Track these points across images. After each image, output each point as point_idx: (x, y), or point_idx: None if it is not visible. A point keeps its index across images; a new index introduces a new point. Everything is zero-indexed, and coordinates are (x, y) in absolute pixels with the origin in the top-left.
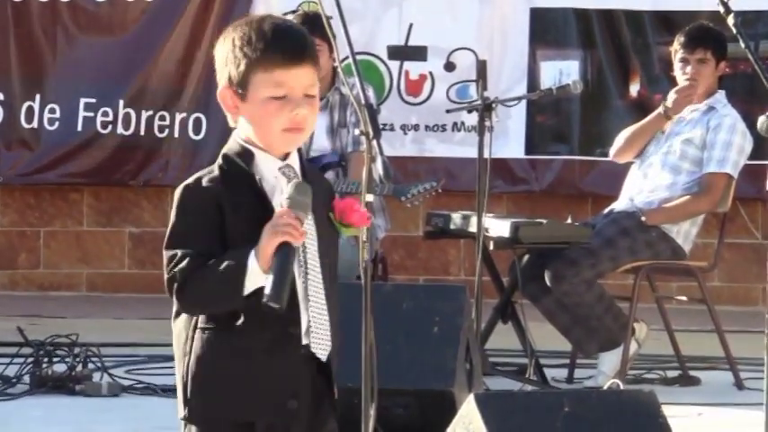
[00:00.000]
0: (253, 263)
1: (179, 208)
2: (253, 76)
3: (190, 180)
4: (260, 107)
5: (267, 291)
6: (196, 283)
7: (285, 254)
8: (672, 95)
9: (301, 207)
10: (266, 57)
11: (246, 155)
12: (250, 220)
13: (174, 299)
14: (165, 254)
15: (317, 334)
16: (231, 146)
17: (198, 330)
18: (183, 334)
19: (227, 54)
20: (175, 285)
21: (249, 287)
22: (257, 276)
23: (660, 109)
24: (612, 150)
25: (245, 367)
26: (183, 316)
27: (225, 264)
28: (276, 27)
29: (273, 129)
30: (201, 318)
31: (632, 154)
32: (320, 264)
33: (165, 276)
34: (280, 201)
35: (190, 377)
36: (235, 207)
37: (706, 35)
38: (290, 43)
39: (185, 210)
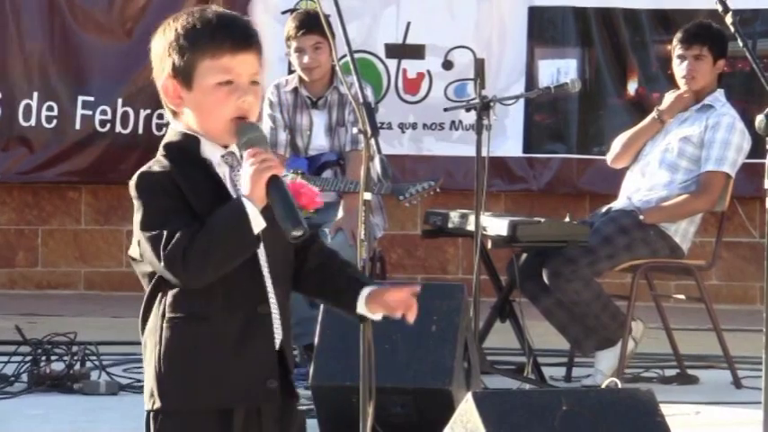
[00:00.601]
0: (250, 207)
1: (145, 192)
2: (199, 63)
3: (141, 170)
4: (208, 94)
5: (287, 224)
6: (201, 248)
7: (279, 185)
8: (666, 99)
9: (260, 142)
10: (214, 43)
11: (192, 142)
12: (210, 203)
13: (180, 273)
14: (147, 237)
15: (276, 320)
16: (171, 137)
17: (167, 320)
18: (153, 324)
19: (168, 44)
20: (178, 260)
21: (255, 231)
22: (257, 219)
23: (654, 113)
24: (609, 156)
25: (220, 353)
26: (155, 306)
27: (222, 218)
28: (221, 15)
29: (221, 116)
30: (169, 308)
31: (629, 159)
32: (266, 258)
33: (161, 255)
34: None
35: (163, 368)
36: (193, 191)
37: (703, 32)
38: (237, 30)
39: (153, 192)
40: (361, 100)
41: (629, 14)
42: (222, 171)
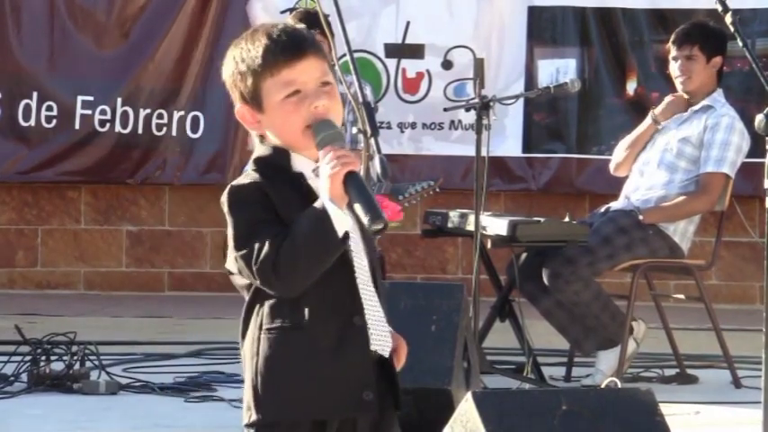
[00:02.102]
0: (331, 207)
1: (235, 206)
2: (262, 84)
3: (232, 184)
4: (279, 111)
5: (367, 217)
6: (288, 257)
7: (357, 180)
8: (663, 103)
9: (336, 139)
10: (268, 61)
11: (283, 156)
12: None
13: (275, 283)
14: (240, 255)
15: (375, 330)
16: (261, 152)
17: (264, 331)
18: (251, 335)
19: (232, 74)
20: (269, 272)
21: (339, 232)
22: (341, 219)
23: (649, 116)
24: (612, 165)
25: (316, 364)
26: (253, 317)
27: (305, 224)
28: (269, 31)
29: (296, 128)
30: (267, 318)
31: (629, 165)
32: (367, 259)
33: (254, 271)
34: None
35: (260, 380)
36: (283, 202)
37: (694, 31)
38: (287, 41)
39: (243, 205)
40: (360, 99)
41: (628, 14)
42: (315, 184)
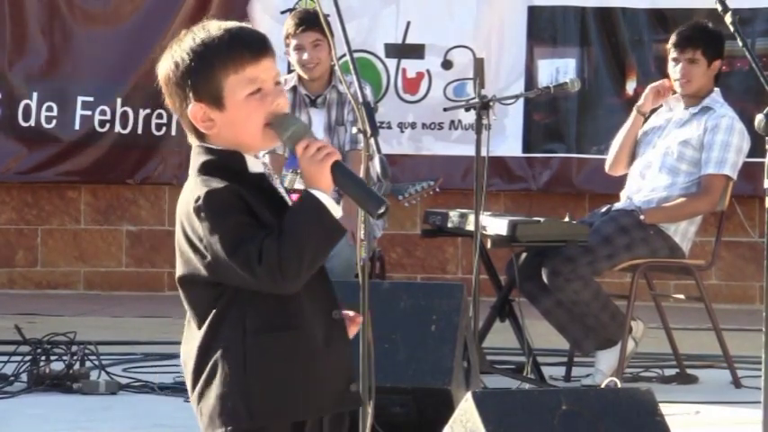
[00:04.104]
0: (323, 197)
1: (217, 213)
2: (225, 81)
3: (207, 190)
4: (242, 109)
5: (369, 204)
6: (293, 250)
7: (345, 169)
8: (643, 95)
9: (308, 131)
10: (233, 58)
11: (237, 159)
12: (270, 215)
13: (280, 280)
14: (233, 257)
15: None
16: (206, 155)
17: (251, 335)
18: (225, 344)
19: (183, 70)
20: (275, 269)
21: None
22: (334, 207)
23: (634, 110)
24: (607, 165)
25: (314, 363)
26: (226, 325)
27: (301, 216)
28: (227, 27)
29: (257, 125)
30: (253, 322)
31: (625, 163)
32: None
33: (255, 270)
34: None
35: (252, 385)
36: (256, 204)
37: (697, 34)
38: (250, 38)
39: (225, 210)
40: (360, 99)
41: (628, 14)
42: (276, 184)
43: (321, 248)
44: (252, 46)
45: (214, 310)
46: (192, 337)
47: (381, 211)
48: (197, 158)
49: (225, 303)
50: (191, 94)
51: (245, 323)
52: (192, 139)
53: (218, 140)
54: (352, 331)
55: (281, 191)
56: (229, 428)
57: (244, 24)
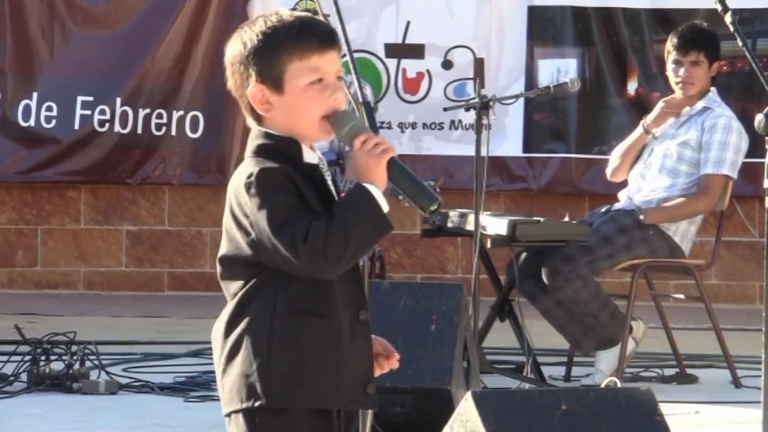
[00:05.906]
0: (375, 191)
1: (268, 190)
2: (288, 66)
3: (260, 168)
4: (300, 95)
5: (423, 200)
6: (338, 239)
7: (400, 165)
8: (654, 112)
9: (365, 127)
10: (300, 44)
11: (293, 146)
12: (318, 204)
13: (322, 262)
14: (280, 234)
15: None
16: (262, 139)
17: (280, 318)
18: (253, 321)
19: (251, 51)
20: (319, 251)
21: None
22: (385, 203)
23: (641, 126)
24: (608, 171)
25: (338, 354)
26: (257, 303)
27: (353, 206)
28: (300, 16)
29: (313, 115)
30: (284, 305)
31: (626, 171)
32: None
33: (299, 250)
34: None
35: (273, 366)
36: (306, 191)
37: (699, 37)
38: (320, 29)
39: (277, 190)
40: (360, 99)
41: (628, 14)
42: (327, 176)
43: (367, 239)
44: (320, 36)
45: (245, 289)
46: (224, 314)
47: (434, 207)
48: (254, 141)
49: (259, 283)
50: (253, 75)
51: (276, 305)
52: (251, 122)
53: (273, 125)
54: (385, 367)
55: (331, 186)
56: (245, 406)
57: (315, 16)
